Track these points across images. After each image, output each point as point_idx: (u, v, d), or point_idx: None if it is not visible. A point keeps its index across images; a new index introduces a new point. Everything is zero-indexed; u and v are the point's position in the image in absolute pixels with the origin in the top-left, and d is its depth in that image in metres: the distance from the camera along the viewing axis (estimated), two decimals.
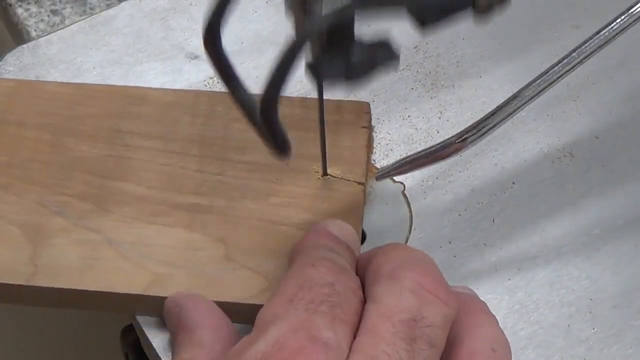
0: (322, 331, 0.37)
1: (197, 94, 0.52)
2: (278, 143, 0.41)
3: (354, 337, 0.38)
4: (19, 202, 0.49)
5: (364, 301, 0.40)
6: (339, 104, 0.51)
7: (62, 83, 0.53)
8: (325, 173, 0.48)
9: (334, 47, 0.38)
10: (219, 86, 0.53)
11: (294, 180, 0.49)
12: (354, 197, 0.48)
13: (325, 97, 0.46)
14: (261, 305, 0.41)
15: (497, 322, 0.42)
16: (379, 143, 0.52)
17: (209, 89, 0.54)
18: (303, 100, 0.51)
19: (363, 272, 0.41)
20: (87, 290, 0.46)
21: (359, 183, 0.48)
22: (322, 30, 0.37)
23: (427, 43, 0.55)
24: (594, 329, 0.46)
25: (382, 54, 0.39)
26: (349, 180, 0.48)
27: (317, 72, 0.39)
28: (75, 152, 0.50)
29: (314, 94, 0.46)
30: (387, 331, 0.37)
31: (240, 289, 0.46)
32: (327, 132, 0.48)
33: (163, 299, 0.46)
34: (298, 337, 0.37)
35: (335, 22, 0.37)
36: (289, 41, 0.37)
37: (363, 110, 0.50)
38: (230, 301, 0.45)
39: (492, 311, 0.47)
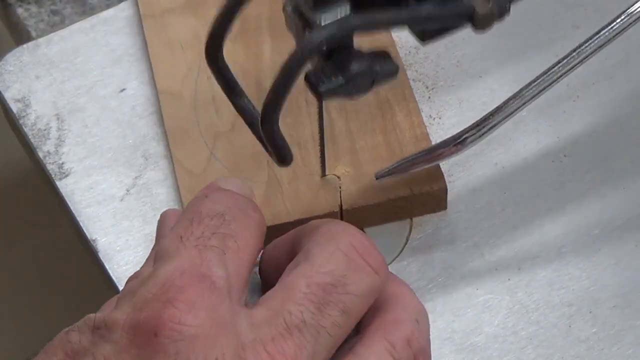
0: (211, 268, 0.37)
1: None
2: (278, 152, 0.41)
3: (253, 262, 0.38)
4: None
5: (263, 223, 0.40)
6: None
7: None
8: (323, 174, 0.48)
9: (334, 59, 0.39)
10: None
11: (312, 160, 0.49)
12: (323, 205, 0.48)
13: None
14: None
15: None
16: None
17: None
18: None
19: (299, 243, 0.41)
20: None
21: (340, 205, 0.48)
22: (322, 46, 0.37)
23: None
24: (594, 329, 0.46)
25: (382, 66, 0.39)
26: (338, 192, 0.48)
27: (316, 84, 0.39)
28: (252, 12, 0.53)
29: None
30: (300, 291, 0.37)
31: (184, 161, 0.49)
32: (396, 156, 0.48)
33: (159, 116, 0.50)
34: (184, 278, 0.36)
35: (335, 38, 0.37)
36: (291, 55, 0.37)
37: (430, 184, 0.48)
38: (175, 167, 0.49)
39: (492, 311, 0.47)
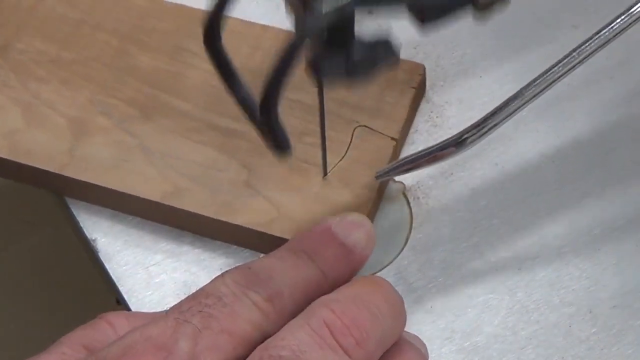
0: (178, 341, 0.36)
1: (264, 28, 0.53)
2: (278, 141, 0.41)
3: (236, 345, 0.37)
4: (72, 97, 0.52)
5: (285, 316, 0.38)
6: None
7: None
8: (325, 174, 0.48)
9: (335, 44, 0.38)
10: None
11: (331, 125, 0.49)
12: (384, 151, 0.49)
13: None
14: (265, 233, 0.46)
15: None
16: None
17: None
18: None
19: None
20: (108, 188, 0.49)
21: (392, 138, 0.49)
22: (323, 28, 0.37)
23: (427, 43, 0.55)
24: (594, 329, 0.46)
25: (383, 52, 0.39)
26: (382, 134, 0.49)
27: (317, 69, 0.39)
28: (136, 61, 0.53)
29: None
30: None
31: (251, 214, 0.48)
32: (375, 86, 0.50)
33: (175, 209, 0.48)
34: (146, 344, 0.36)
35: (336, 20, 0.37)
36: (289, 38, 0.37)
37: (417, 72, 0.51)
38: (238, 224, 0.47)
39: (492, 311, 0.47)
